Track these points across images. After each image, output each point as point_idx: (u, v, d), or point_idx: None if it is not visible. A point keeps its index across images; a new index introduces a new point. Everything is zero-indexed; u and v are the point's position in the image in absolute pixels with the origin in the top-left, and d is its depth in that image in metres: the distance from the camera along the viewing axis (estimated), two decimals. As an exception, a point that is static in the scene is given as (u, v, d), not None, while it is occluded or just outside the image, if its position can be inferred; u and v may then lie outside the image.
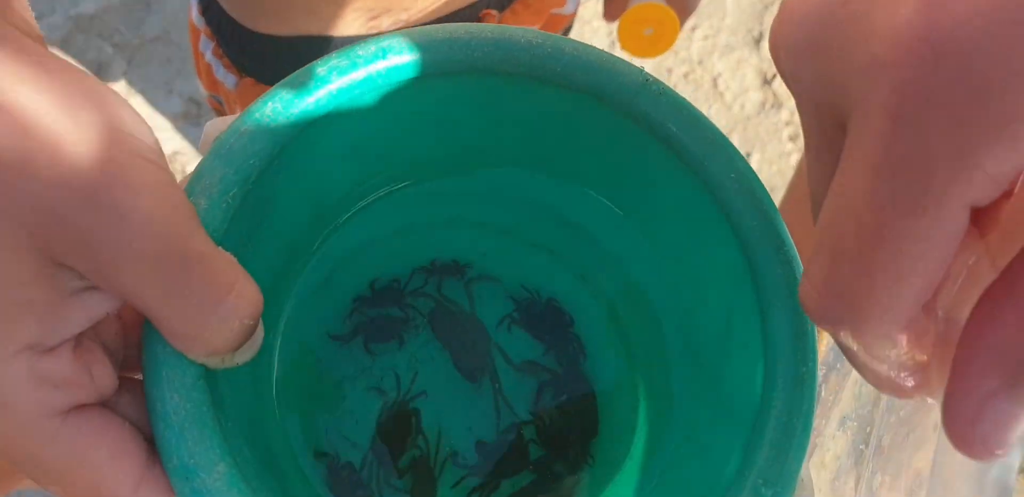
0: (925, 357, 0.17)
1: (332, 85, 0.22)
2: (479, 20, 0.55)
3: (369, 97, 0.23)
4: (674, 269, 0.29)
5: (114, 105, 0.18)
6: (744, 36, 1.27)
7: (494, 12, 0.55)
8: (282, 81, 0.22)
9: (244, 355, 0.19)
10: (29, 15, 0.22)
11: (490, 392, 0.32)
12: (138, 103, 1.17)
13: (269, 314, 0.22)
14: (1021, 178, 0.18)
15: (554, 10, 0.62)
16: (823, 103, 0.16)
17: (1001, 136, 0.13)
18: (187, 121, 1.17)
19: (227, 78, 0.55)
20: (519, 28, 0.24)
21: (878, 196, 0.14)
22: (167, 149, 1.15)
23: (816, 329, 0.24)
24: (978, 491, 0.25)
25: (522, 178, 0.29)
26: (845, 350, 0.17)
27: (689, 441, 0.27)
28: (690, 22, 1.30)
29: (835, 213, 0.15)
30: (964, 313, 0.18)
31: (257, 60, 0.52)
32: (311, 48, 0.51)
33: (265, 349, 0.21)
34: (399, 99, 0.24)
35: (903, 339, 0.16)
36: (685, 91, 1.23)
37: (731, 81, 1.23)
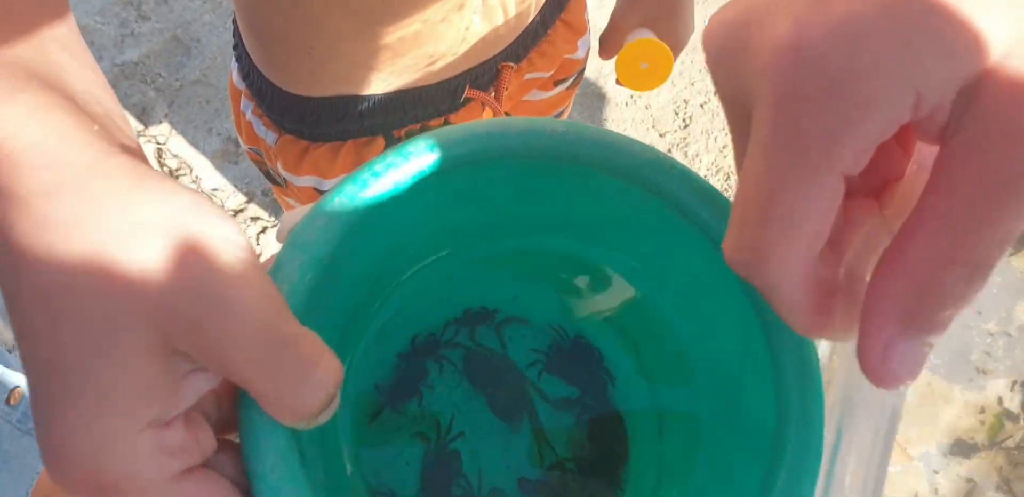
0: (830, 303, 0.21)
1: (387, 178, 0.25)
2: (498, 72, 0.58)
3: (420, 185, 0.26)
4: (691, 315, 0.32)
5: (211, 213, 0.21)
6: (760, 65, 1.30)
7: (511, 64, 0.58)
8: (345, 177, 0.25)
9: (325, 417, 0.22)
10: (130, 130, 0.26)
11: (528, 431, 0.35)
12: (179, 143, 1.23)
13: (337, 376, 0.26)
14: (909, 165, 0.22)
15: (567, 56, 0.65)
16: (736, 97, 0.20)
17: (851, 118, 0.17)
18: (226, 159, 1.22)
19: (268, 135, 0.58)
20: (545, 119, 0.27)
21: (770, 170, 0.18)
22: (207, 187, 1.20)
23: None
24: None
25: (553, 241, 0.33)
26: (765, 296, 0.20)
27: (714, 470, 0.30)
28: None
29: (743, 184, 0.19)
30: (865, 270, 0.22)
31: (295, 119, 0.55)
32: (344, 106, 0.54)
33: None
34: (445, 184, 0.27)
35: (804, 283, 0.20)
36: (702, 121, 1.26)
37: (748, 110, 1.26)
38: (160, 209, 0.20)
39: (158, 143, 1.23)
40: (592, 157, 0.28)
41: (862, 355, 0.19)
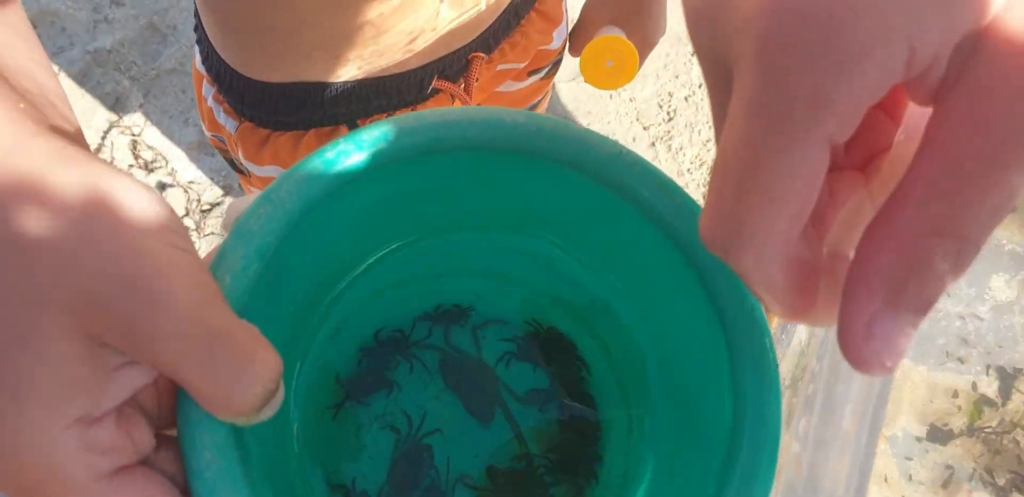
0: (812, 285, 0.19)
1: (340, 167, 0.25)
2: (468, 62, 0.57)
3: (374, 175, 0.26)
4: (653, 317, 0.31)
5: (148, 200, 0.20)
6: (742, 59, 1.30)
7: (482, 54, 0.57)
8: (295, 165, 0.24)
9: (267, 412, 0.21)
10: (68, 109, 0.25)
11: (501, 427, 0.34)
12: (154, 134, 1.21)
13: (287, 369, 0.25)
14: (897, 135, 0.20)
15: (541, 47, 0.64)
16: (715, 56, 0.19)
17: (841, 73, 0.16)
18: (202, 151, 1.20)
19: (228, 122, 0.57)
20: (505, 109, 0.27)
21: (751, 135, 0.17)
22: (183, 179, 1.19)
23: (772, 337, 0.27)
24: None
25: (516, 239, 0.32)
26: (743, 277, 0.19)
27: (672, 470, 0.30)
28: (691, 47, 1.32)
29: (721, 152, 0.18)
30: (849, 248, 0.21)
31: (255, 105, 0.54)
32: (306, 94, 0.52)
33: (285, 401, 0.24)
34: (401, 175, 0.26)
35: (785, 263, 0.18)
36: (686, 114, 1.26)
37: (730, 104, 1.26)
38: (85, 192, 0.19)
39: (133, 134, 1.21)
40: (551, 149, 0.27)
41: (843, 335, 0.17)
